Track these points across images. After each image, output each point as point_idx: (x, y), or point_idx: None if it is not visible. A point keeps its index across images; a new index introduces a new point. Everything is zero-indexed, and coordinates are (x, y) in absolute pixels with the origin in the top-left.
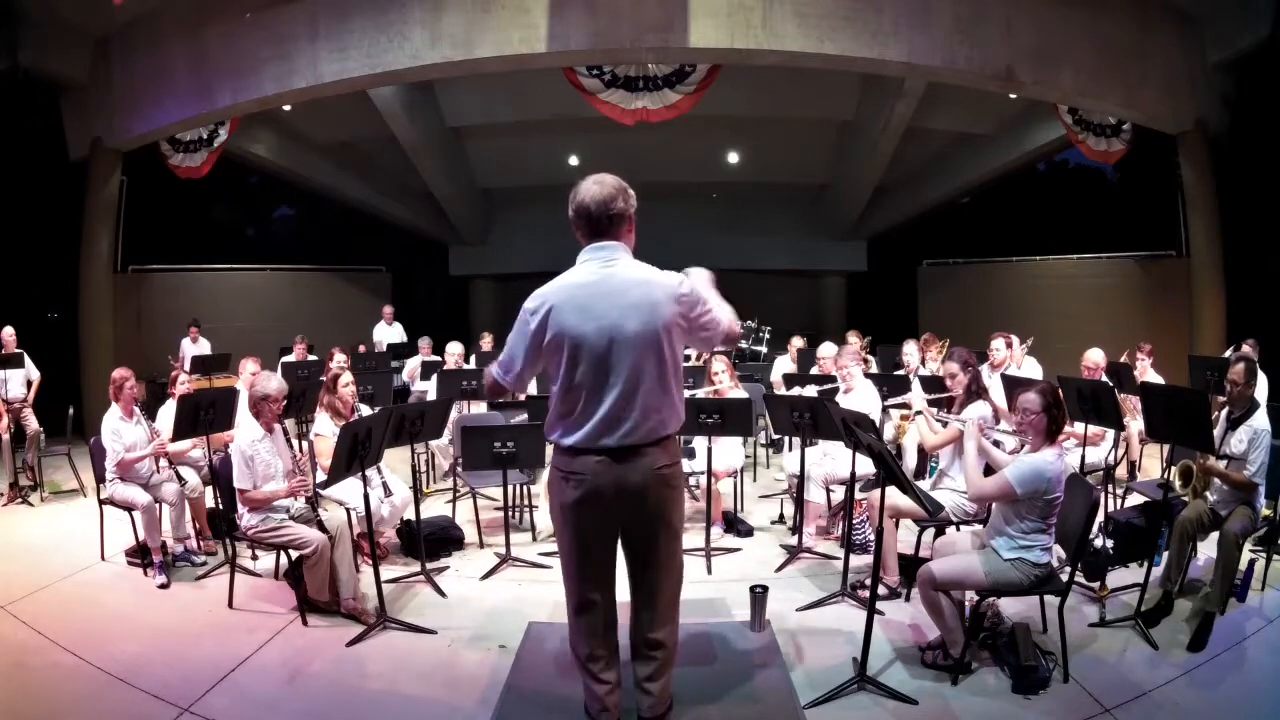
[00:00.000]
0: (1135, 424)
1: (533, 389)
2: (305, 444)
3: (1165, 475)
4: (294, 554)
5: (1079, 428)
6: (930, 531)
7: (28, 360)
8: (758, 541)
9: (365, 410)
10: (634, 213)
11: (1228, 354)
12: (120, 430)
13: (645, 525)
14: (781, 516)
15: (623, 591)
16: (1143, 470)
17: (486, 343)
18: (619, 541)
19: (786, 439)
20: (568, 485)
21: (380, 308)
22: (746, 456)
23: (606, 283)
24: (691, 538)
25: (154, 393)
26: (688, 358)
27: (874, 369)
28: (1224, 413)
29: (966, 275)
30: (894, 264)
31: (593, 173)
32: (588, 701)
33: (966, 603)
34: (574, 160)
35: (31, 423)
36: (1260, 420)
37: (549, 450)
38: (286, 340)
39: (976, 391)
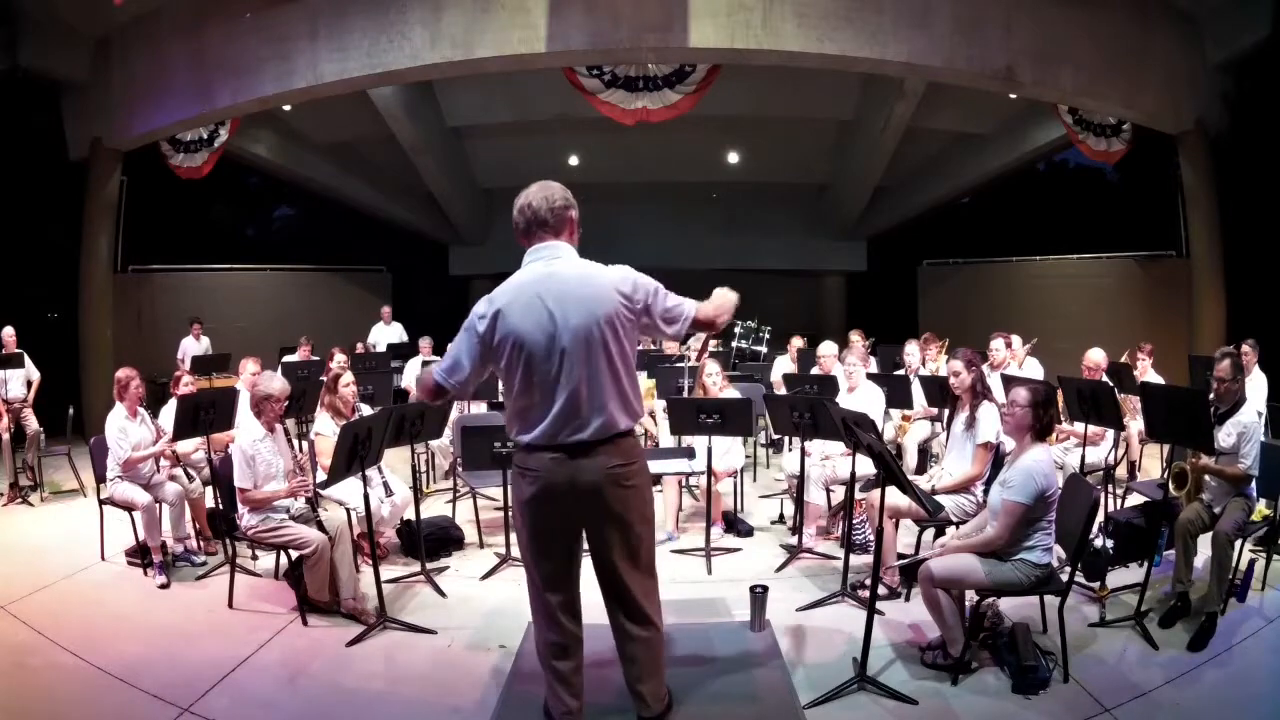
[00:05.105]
0: (1135, 424)
1: None
2: (305, 444)
3: (1165, 475)
4: (294, 554)
5: (1079, 428)
6: (930, 531)
7: (28, 360)
8: (758, 541)
9: (366, 410)
10: (578, 217)
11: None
12: (127, 429)
13: (602, 525)
14: (781, 516)
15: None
16: (1143, 470)
17: None
18: (582, 541)
19: (786, 439)
20: (524, 481)
21: (380, 308)
22: (746, 456)
23: (549, 280)
24: (691, 538)
25: (154, 393)
26: (682, 357)
27: (873, 368)
28: (1212, 410)
29: (966, 275)
30: (894, 264)
31: (593, 172)
32: (549, 702)
33: (967, 602)
34: (574, 160)
35: (31, 423)
36: (1247, 414)
37: None
38: (286, 340)
39: (981, 392)
